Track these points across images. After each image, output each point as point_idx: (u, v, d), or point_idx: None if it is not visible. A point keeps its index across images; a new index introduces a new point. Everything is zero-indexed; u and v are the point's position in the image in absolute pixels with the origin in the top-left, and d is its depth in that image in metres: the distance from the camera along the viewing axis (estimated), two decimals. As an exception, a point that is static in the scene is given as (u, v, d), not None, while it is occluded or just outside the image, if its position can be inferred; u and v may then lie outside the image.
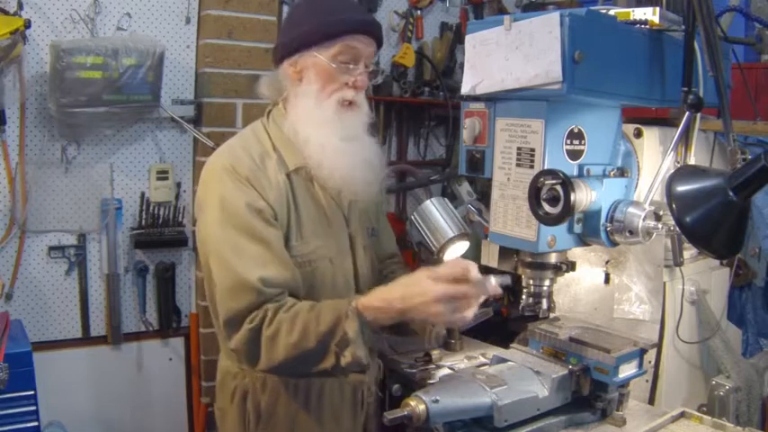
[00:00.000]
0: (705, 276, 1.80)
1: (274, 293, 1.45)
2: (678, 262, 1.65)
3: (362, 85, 1.56)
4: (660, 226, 1.35)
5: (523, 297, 1.51)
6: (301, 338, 1.39)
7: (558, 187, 1.27)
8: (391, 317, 1.40)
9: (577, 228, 1.41)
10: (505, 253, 1.48)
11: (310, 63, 1.55)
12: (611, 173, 1.45)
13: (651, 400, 1.64)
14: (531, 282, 1.48)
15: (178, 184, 2.80)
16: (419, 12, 3.34)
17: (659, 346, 1.63)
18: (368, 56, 1.57)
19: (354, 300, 1.41)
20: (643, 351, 1.41)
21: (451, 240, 1.64)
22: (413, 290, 1.36)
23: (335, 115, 1.54)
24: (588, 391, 1.38)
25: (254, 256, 1.45)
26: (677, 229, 1.31)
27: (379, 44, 1.61)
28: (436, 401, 1.22)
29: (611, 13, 1.46)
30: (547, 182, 1.27)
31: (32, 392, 2.13)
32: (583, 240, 1.44)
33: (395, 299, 1.38)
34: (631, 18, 1.46)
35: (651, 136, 1.62)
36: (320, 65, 1.54)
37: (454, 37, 3.40)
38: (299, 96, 1.57)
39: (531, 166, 1.35)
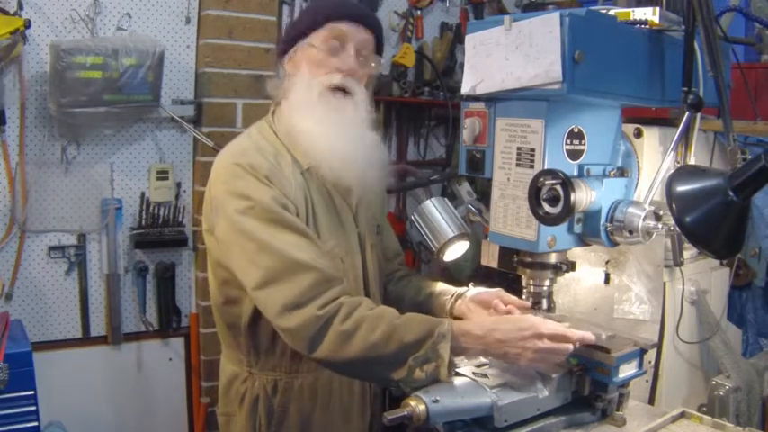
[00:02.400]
0: (705, 276, 1.80)
1: (333, 274, 1.41)
2: (678, 262, 1.65)
3: (349, 68, 1.53)
4: (660, 226, 1.35)
5: (523, 297, 1.51)
6: (382, 341, 1.32)
7: (558, 187, 1.26)
8: (483, 347, 1.35)
9: (577, 228, 1.41)
10: (505, 253, 1.48)
11: (303, 54, 1.56)
12: (611, 173, 1.45)
13: (651, 400, 1.64)
14: (531, 282, 1.49)
15: (178, 184, 2.80)
16: (419, 12, 3.34)
17: (659, 346, 1.63)
18: (359, 42, 1.55)
19: (449, 322, 1.36)
20: (643, 351, 1.41)
21: (451, 240, 1.63)
22: (519, 324, 1.33)
23: (322, 99, 1.51)
24: (588, 391, 1.38)
25: (295, 243, 1.41)
26: (677, 229, 1.31)
27: (376, 33, 1.59)
28: (436, 401, 1.22)
29: (611, 13, 1.46)
30: (547, 182, 1.27)
31: (32, 392, 2.13)
32: (583, 240, 1.44)
33: (495, 330, 1.33)
34: (631, 18, 1.46)
35: (651, 136, 1.62)
36: (309, 53, 1.54)
37: (454, 37, 3.40)
38: (291, 89, 1.56)
39: (531, 166, 1.35)
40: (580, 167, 1.40)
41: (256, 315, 1.51)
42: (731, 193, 1.28)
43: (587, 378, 1.37)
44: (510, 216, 1.41)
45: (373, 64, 1.60)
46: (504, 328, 1.33)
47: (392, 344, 1.33)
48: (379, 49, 1.63)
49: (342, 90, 1.53)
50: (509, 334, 1.32)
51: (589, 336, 1.34)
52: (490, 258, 1.52)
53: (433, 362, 1.31)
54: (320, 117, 1.51)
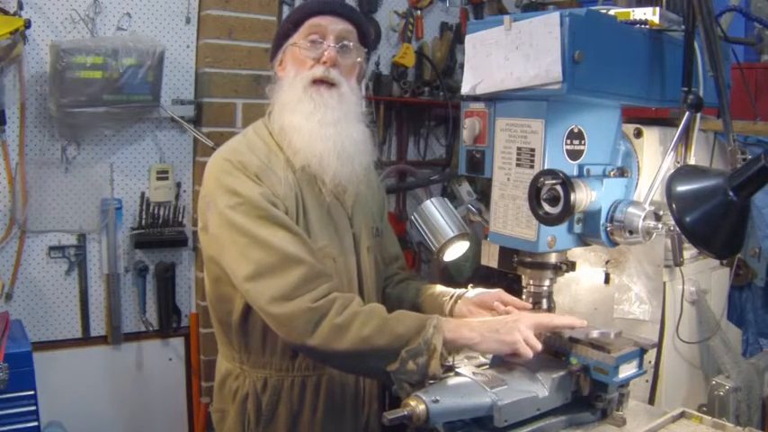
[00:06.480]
0: (705, 276, 1.80)
1: (323, 270, 1.44)
2: (678, 262, 1.64)
3: (329, 57, 1.53)
4: (660, 226, 1.35)
5: (523, 297, 1.51)
6: (375, 334, 1.35)
7: (558, 187, 1.26)
8: (477, 335, 1.36)
9: (577, 228, 1.41)
10: (505, 253, 1.48)
11: (288, 54, 1.59)
12: (611, 173, 1.45)
13: (651, 400, 1.64)
14: (531, 282, 1.48)
15: (178, 184, 2.80)
16: (419, 12, 3.34)
17: (659, 346, 1.63)
18: (338, 32, 1.56)
19: (439, 316, 1.39)
20: (643, 351, 1.41)
21: (451, 240, 1.64)
22: (505, 318, 1.41)
23: (306, 94, 1.52)
24: (588, 391, 1.38)
25: (285, 238, 1.43)
26: (677, 229, 1.31)
27: (358, 25, 1.60)
28: (436, 401, 1.22)
29: (611, 13, 1.46)
30: (547, 182, 1.27)
31: (32, 392, 2.13)
32: (583, 240, 1.44)
33: (485, 321, 1.41)
34: (631, 18, 1.46)
35: (651, 136, 1.62)
36: (292, 51, 1.58)
37: (454, 37, 3.40)
38: (280, 89, 1.58)
39: (531, 166, 1.35)
40: (580, 167, 1.40)
41: (247, 312, 1.52)
42: (731, 193, 1.28)
43: (587, 378, 1.37)
44: (510, 216, 1.41)
45: (359, 59, 1.60)
46: (495, 318, 1.43)
47: (385, 336, 1.35)
48: (364, 42, 1.63)
49: (326, 83, 1.54)
50: (499, 320, 1.40)
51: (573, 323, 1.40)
52: (490, 258, 1.52)
53: (425, 354, 1.32)
54: (307, 112, 1.52)
